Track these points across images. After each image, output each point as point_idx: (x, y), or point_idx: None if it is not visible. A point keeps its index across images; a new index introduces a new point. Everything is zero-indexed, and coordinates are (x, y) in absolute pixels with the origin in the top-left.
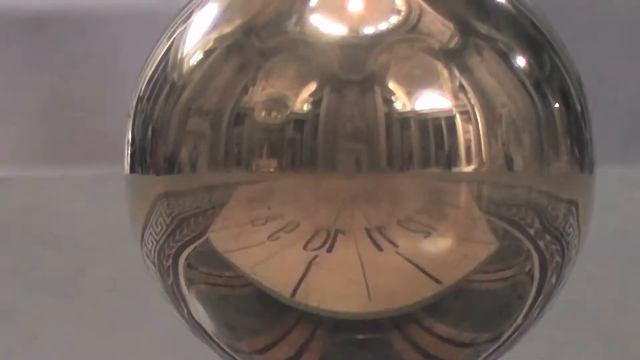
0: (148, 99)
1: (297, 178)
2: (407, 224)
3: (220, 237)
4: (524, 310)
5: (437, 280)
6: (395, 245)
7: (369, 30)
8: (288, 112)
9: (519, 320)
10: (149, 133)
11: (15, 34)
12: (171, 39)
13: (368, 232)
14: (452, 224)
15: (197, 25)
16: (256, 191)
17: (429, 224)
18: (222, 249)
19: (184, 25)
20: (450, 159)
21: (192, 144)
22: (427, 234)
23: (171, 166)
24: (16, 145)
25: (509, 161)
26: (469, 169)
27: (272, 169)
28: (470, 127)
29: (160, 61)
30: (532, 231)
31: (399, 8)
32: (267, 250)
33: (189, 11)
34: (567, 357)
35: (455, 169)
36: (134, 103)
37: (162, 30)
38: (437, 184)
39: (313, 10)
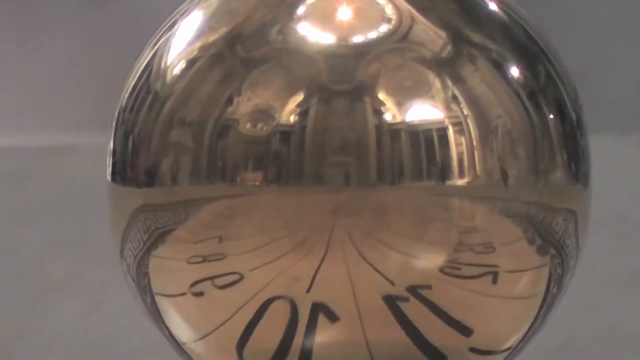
0: (131, 110)
1: (280, 193)
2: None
3: (154, 269)
4: (529, 324)
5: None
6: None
7: (358, 39)
8: (274, 124)
9: (523, 334)
10: (130, 144)
11: (85, 4)
12: (155, 48)
13: (388, 300)
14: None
15: (182, 33)
16: (215, 214)
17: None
18: (155, 288)
19: (168, 34)
20: (444, 172)
21: (173, 156)
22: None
23: (151, 179)
24: (85, 113)
25: (504, 174)
26: (463, 182)
27: (257, 183)
28: (464, 139)
29: (144, 71)
30: (534, 248)
31: (390, 17)
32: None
33: (174, 19)
34: (629, 327)
35: (448, 182)
36: (117, 113)
37: (147, 39)
38: (439, 200)
39: (300, 18)
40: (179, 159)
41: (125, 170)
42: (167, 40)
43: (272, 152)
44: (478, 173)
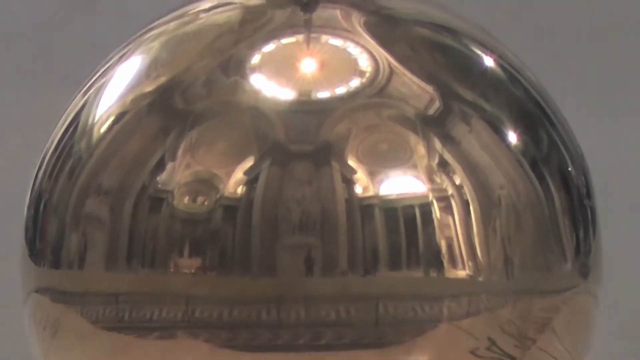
0: (51, 172)
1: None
2: None
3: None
4: None
5: None
6: None
7: (323, 94)
8: (218, 197)
9: None
10: (41, 212)
11: None
12: (85, 97)
13: None
14: None
15: (116, 81)
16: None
17: None
18: None
19: (102, 81)
20: (430, 261)
21: (82, 233)
22: None
23: (56, 259)
24: None
25: (509, 261)
26: (458, 274)
27: (192, 271)
28: (457, 216)
29: (70, 125)
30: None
31: (363, 69)
32: None
33: (110, 63)
34: None
35: (436, 275)
36: (35, 173)
37: (82, 82)
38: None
39: (254, 69)
40: (91, 235)
41: (35, 241)
42: (100, 89)
43: (211, 232)
44: (478, 260)
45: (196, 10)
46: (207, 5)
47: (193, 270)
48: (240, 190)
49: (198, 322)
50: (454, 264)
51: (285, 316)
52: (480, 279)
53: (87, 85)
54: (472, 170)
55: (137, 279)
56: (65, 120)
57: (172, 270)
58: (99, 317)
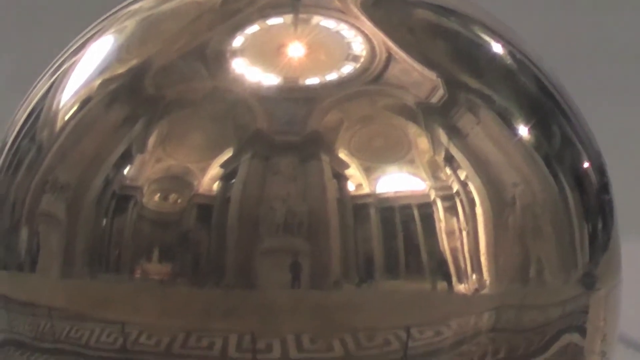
0: (10, 163)
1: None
2: None
3: None
4: None
5: None
6: None
7: (312, 81)
8: (192, 195)
9: None
10: None
11: None
12: (52, 79)
13: None
14: None
15: (85, 63)
16: None
17: None
18: None
19: (71, 61)
20: (432, 270)
21: (35, 233)
22: None
23: (8, 260)
24: None
25: (526, 269)
26: (464, 287)
27: (164, 278)
28: (461, 218)
29: (34, 110)
30: None
31: (357, 54)
32: None
33: (81, 41)
34: None
35: (439, 286)
36: None
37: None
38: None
39: (235, 52)
40: (45, 237)
41: None
42: (67, 71)
43: (183, 235)
44: (490, 270)
45: None
46: None
47: (165, 278)
48: (216, 186)
49: (137, 354)
50: (460, 275)
51: (263, 348)
52: (487, 291)
53: (55, 67)
54: (481, 165)
55: (84, 288)
56: (29, 105)
57: (139, 277)
58: (38, 333)
